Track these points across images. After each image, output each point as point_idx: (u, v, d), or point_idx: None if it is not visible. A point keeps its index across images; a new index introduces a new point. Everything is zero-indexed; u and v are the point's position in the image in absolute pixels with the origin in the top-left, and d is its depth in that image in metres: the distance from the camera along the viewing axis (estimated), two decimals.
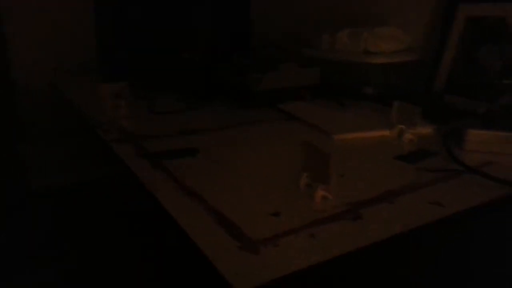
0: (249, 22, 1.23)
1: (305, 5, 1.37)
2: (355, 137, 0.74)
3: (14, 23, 1.51)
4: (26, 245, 1.30)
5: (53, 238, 1.35)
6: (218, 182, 0.57)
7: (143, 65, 1.12)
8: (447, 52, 0.87)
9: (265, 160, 0.65)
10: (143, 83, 1.09)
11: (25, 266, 1.20)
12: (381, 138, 0.73)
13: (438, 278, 0.49)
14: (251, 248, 0.41)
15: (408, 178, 0.56)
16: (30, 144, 1.60)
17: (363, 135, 0.74)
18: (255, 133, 0.79)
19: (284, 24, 1.43)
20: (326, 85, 0.98)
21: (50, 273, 1.16)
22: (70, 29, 1.58)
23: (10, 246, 1.29)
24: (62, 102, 1.26)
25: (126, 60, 1.16)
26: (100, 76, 1.21)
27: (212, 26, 1.11)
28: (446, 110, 0.78)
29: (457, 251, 0.51)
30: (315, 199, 0.51)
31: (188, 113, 0.92)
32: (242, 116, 0.89)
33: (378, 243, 0.42)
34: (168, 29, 1.11)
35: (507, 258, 0.54)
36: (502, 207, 0.52)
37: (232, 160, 0.65)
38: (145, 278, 0.99)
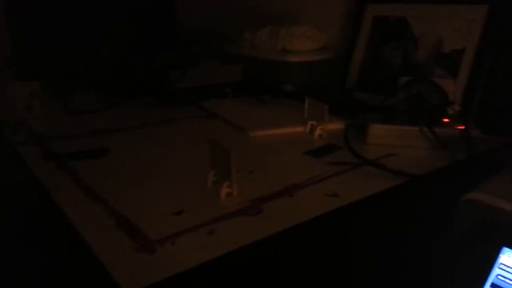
0: (175, 19, 1.22)
1: (230, 3, 1.38)
2: (271, 133, 0.76)
3: None
4: None
5: None
6: (125, 183, 0.56)
7: (61, 62, 1.07)
8: (357, 50, 0.92)
9: (178, 158, 0.65)
10: (61, 81, 1.04)
11: None
12: (295, 134, 0.75)
13: (335, 269, 0.52)
14: (147, 248, 0.41)
15: (312, 172, 0.59)
16: None
17: (278, 132, 0.76)
18: (172, 131, 0.79)
19: (209, 21, 1.43)
20: (247, 83, 1.00)
21: None
22: None
23: None
24: None
25: (43, 57, 1.10)
26: (13, 74, 1.14)
27: (133, 22, 1.08)
28: (355, 106, 0.83)
29: (355, 241, 0.54)
30: (220, 196, 0.52)
31: (106, 111, 0.89)
32: (162, 114, 0.88)
33: (272, 236, 0.44)
34: (87, 24, 1.07)
35: (402, 243, 0.59)
36: (395, 196, 0.56)
37: (144, 160, 0.64)
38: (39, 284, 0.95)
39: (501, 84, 0.76)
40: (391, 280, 0.56)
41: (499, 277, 0.38)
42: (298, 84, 0.98)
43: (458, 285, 0.42)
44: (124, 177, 0.58)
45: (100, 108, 0.91)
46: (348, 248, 0.53)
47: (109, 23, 1.06)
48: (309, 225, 0.46)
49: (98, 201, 0.50)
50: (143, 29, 1.13)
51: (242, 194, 0.52)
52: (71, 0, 1.06)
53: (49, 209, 0.53)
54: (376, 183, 0.56)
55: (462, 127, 0.66)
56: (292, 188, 0.54)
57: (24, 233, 1.22)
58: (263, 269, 0.44)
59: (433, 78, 0.75)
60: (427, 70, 0.83)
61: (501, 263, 0.39)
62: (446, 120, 0.69)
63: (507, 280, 0.38)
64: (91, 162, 0.62)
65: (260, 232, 0.44)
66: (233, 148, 0.50)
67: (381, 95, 0.82)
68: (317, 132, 0.73)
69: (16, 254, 1.18)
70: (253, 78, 1.01)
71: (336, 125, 0.78)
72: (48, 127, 0.80)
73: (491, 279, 0.39)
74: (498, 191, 0.43)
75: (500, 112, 0.76)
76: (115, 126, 0.79)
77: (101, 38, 1.05)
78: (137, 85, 0.99)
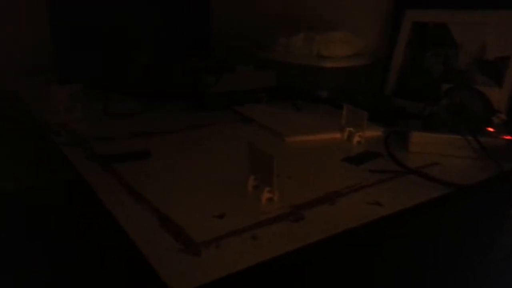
0: (209, 25, 1.23)
1: (263, 9, 1.39)
2: (307, 139, 0.75)
3: None
4: None
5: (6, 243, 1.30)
6: (167, 184, 0.57)
7: (100, 67, 1.10)
8: (395, 56, 0.91)
9: (216, 162, 0.66)
10: (99, 85, 1.07)
11: None
12: (332, 141, 0.75)
13: (378, 277, 0.51)
14: (193, 250, 0.42)
15: (352, 180, 0.58)
16: None
17: (314, 137, 0.76)
18: (209, 135, 0.79)
19: (242, 27, 1.44)
20: (281, 88, 1.00)
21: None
22: (25, 31, 1.53)
23: None
24: (15, 105, 1.22)
25: (83, 62, 1.13)
26: (55, 78, 1.18)
27: (166, 29, 1.11)
28: (394, 113, 0.81)
29: (396, 250, 0.53)
30: (261, 201, 0.52)
31: (143, 115, 0.91)
32: (197, 118, 0.89)
33: (315, 243, 0.43)
34: (124, 30, 1.10)
35: (443, 255, 0.57)
36: (439, 206, 0.55)
37: (184, 163, 0.65)
38: (88, 280, 0.98)
39: None
40: None
41: None
42: (332, 89, 0.98)
43: None
44: (165, 179, 0.58)
45: (137, 111, 0.93)
46: (390, 258, 0.52)
47: (146, 28, 1.08)
48: (352, 233, 0.46)
49: (142, 202, 0.51)
50: (176, 35, 1.15)
51: (282, 199, 0.52)
52: (110, 6, 1.09)
53: (94, 208, 0.54)
54: (419, 192, 0.55)
55: (509, 137, 0.64)
56: (333, 195, 0.53)
57: (67, 230, 1.26)
58: (306, 276, 0.44)
59: (476, 85, 0.73)
60: (469, 77, 0.81)
61: None
62: (490, 129, 0.66)
63: None
64: (134, 164, 0.63)
65: (302, 239, 0.44)
66: (271, 153, 0.51)
67: (419, 102, 0.81)
68: (355, 139, 0.72)
69: (62, 249, 1.22)
70: (287, 84, 1.02)
71: (374, 132, 0.77)
72: (89, 129, 0.83)
73: None
74: None
75: None
76: (153, 129, 0.81)
77: (139, 44, 1.07)
78: (173, 90, 1.01)
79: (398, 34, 0.92)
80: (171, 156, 0.67)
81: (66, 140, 0.74)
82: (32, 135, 1.39)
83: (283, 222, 0.47)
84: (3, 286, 1.11)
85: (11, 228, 1.40)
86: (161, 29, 1.09)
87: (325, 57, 0.94)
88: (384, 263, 0.51)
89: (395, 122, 0.80)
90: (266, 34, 1.12)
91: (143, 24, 1.06)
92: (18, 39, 1.54)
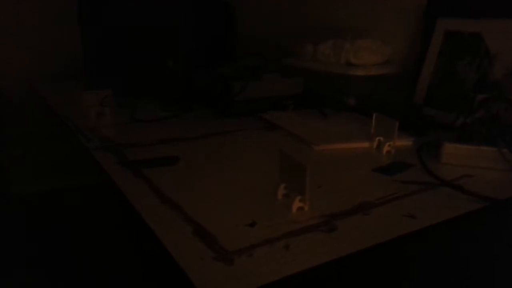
0: (234, 32, 1.24)
1: (289, 16, 1.39)
2: (336, 147, 0.75)
3: None
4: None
5: (27, 245, 1.33)
6: (197, 191, 0.57)
7: (127, 73, 1.12)
8: (426, 65, 0.89)
9: (245, 169, 0.66)
10: (127, 91, 1.09)
11: None
12: (360, 150, 0.74)
13: None
14: (225, 259, 0.41)
15: (384, 190, 0.57)
16: (10, 149, 1.58)
17: (343, 146, 0.75)
18: (236, 142, 0.80)
19: (268, 34, 1.44)
20: (308, 95, 0.99)
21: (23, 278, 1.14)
22: (54, 35, 1.58)
23: None
24: (44, 108, 1.25)
25: (112, 67, 1.16)
26: (85, 83, 1.21)
27: (194, 35, 1.12)
28: (425, 123, 0.80)
29: (430, 264, 0.52)
30: (291, 210, 0.51)
31: (170, 121, 0.92)
32: (224, 124, 0.89)
33: (351, 255, 0.43)
34: (152, 37, 1.12)
35: (477, 270, 0.56)
36: (474, 220, 0.53)
37: (212, 169, 0.65)
38: (122, 286, 0.99)
39: None
40: None
41: None
42: (360, 97, 0.96)
43: None
44: (195, 186, 0.59)
45: (164, 117, 0.94)
46: (424, 272, 0.50)
47: (172, 36, 1.10)
48: (388, 246, 0.45)
49: (174, 208, 0.51)
50: (202, 42, 1.16)
51: (313, 209, 0.52)
52: (142, 11, 1.11)
53: (125, 213, 0.55)
54: (454, 205, 0.53)
55: None
56: (366, 206, 0.52)
57: (95, 234, 1.28)
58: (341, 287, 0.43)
59: (511, 96, 0.71)
60: (504, 88, 0.78)
61: None
62: None
63: None
64: (163, 170, 0.64)
65: (337, 250, 0.43)
66: (301, 161, 0.50)
67: (451, 112, 0.79)
68: (385, 148, 0.71)
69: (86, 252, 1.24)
70: (314, 91, 1.01)
71: (404, 142, 0.75)
72: (118, 134, 0.84)
73: None
74: None
75: None
76: (180, 135, 0.81)
77: (166, 51, 1.09)
78: (199, 97, 1.02)
79: (429, 42, 0.90)
80: (199, 162, 0.68)
81: (97, 145, 0.76)
82: (60, 139, 1.43)
83: (315, 232, 0.47)
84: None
85: (37, 229, 1.43)
86: (188, 36, 1.10)
87: (354, 65, 0.93)
88: (418, 276, 0.50)
89: (424, 132, 0.78)
90: (293, 41, 1.12)
91: (172, 32, 1.08)
92: (48, 44, 1.58)
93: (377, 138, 0.73)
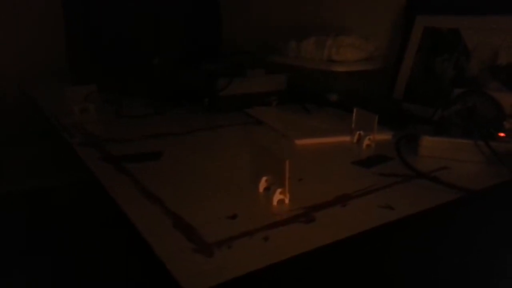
0: (220, 29, 1.25)
1: (274, 13, 1.40)
2: (317, 142, 0.76)
3: None
4: None
5: (15, 244, 1.32)
6: (180, 185, 0.58)
7: (112, 69, 1.12)
8: (405, 61, 0.91)
9: (228, 163, 0.66)
10: (112, 87, 1.09)
11: None
12: (341, 144, 0.75)
13: (388, 280, 0.51)
14: (205, 250, 0.42)
15: (363, 183, 0.58)
16: None
17: (324, 140, 0.76)
18: (221, 137, 0.80)
19: (253, 31, 1.45)
20: (292, 91, 1.01)
21: (15, 278, 1.13)
22: (38, 32, 1.56)
23: None
24: (29, 106, 1.24)
25: (96, 63, 1.15)
26: (69, 79, 1.20)
27: (179, 32, 1.12)
28: (404, 117, 0.81)
29: (406, 254, 0.53)
30: (272, 202, 0.52)
31: (155, 117, 0.93)
32: (209, 120, 0.90)
33: (328, 245, 0.44)
34: (137, 34, 1.11)
35: (453, 259, 0.57)
36: (450, 210, 0.55)
37: (196, 164, 0.66)
38: (107, 279, 0.99)
39: None
40: None
41: None
42: (342, 93, 0.98)
43: None
44: (178, 180, 0.59)
45: (149, 114, 0.94)
46: (400, 261, 0.52)
47: (158, 33, 1.10)
48: (364, 236, 0.46)
49: (155, 202, 0.52)
50: (190, 39, 1.16)
51: (293, 201, 0.53)
52: (123, 9, 1.10)
53: (107, 208, 0.55)
54: (430, 196, 0.55)
55: None
56: (344, 198, 0.54)
57: (80, 229, 1.28)
58: (317, 278, 0.44)
59: (487, 90, 0.73)
60: (481, 83, 0.80)
61: None
62: (502, 134, 0.66)
63: None
64: (146, 165, 0.64)
65: (314, 241, 0.44)
66: (281, 155, 0.51)
67: (429, 107, 0.81)
68: (365, 142, 0.73)
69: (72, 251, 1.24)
70: (297, 87, 1.02)
71: (384, 136, 0.77)
72: (103, 130, 0.84)
73: None
74: None
75: None
76: (165, 131, 0.82)
77: (152, 47, 1.09)
78: (185, 93, 1.02)
79: (409, 39, 0.92)
80: (183, 157, 0.68)
81: (80, 140, 0.76)
82: (46, 136, 1.42)
83: (294, 224, 0.48)
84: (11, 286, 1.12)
85: (21, 227, 1.42)
86: (174, 33, 1.10)
87: (335, 61, 0.95)
88: (394, 266, 0.51)
89: (404, 126, 0.80)
90: (278, 38, 1.13)
91: (159, 28, 1.08)
92: (33, 41, 1.56)
93: (358, 132, 0.74)
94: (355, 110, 0.76)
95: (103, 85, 1.04)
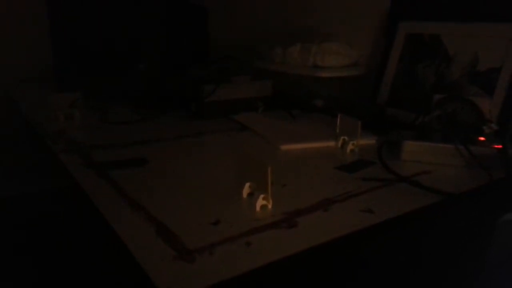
0: (206, 35, 1.25)
1: (261, 19, 1.41)
2: (302, 147, 0.77)
3: None
4: None
5: (4, 249, 1.30)
6: (163, 192, 0.58)
7: (97, 75, 1.11)
8: (388, 67, 0.93)
9: (213, 169, 0.67)
10: (97, 94, 1.08)
11: None
12: (326, 149, 0.76)
13: (369, 283, 0.52)
14: (187, 257, 0.42)
15: (345, 187, 0.59)
16: None
17: (309, 146, 0.77)
18: (206, 143, 0.80)
19: (240, 36, 1.46)
20: (278, 97, 1.01)
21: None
22: (24, 38, 1.55)
23: None
24: (13, 112, 1.23)
25: (81, 70, 1.15)
26: (54, 85, 1.19)
27: (166, 38, 1.12)
28: (387, 122, 0.83)
29: (387, 257, 0.54)
30: (255, 208, 0.52)
31: (141, 123, 0.92)
32: (195, 126, 0.90)
33: (309, 249, 0.44)
34: (122, 40, 1.11)
35: (433, 262, 0.58)
36: (430, 213, 0.56)
37: (180, 170, 0.66)
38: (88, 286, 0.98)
39: None
40: None
41: None
42: (327, 99, 0.99)
43: None
44: (161, 187, 0.59)
45: (135, 120, 0.94)
46: (380, 265, 0.52)
47: (144, 39, 1.10)
48: (345, 240, 0.46)
49: (139, 209, 0.52)
50: (174, 45, 1.16)
51: (276, 206, 0.53)
52: (109, 15, 1.10)
53: (90, 216, 0.55)
54: (411, 200, 0.56)
55: (499, 146, 0.65)
56: (326, 203, 0.54)
57: (63, 237, 1.27)
58: (299, 282, 0.45)
59: (468, 96, 0.75)
60: (461, 88, 0.82)
61: None
62: (482, 138, 0.68)
63: None
64: (130, 171, 0.64)
65: (296, 245, 0.45)
66: (266, 161, 0.52)
67: (412, 112, 0.82)
68: (349, 147, 0.73)
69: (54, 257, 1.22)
70: (283, 93, 1.03)
71: (367, 141, 0.78)
72: (88, 137, 0.83)
73: None
74: None
75: None
76: (151, 137, 0.82)
77: (137, 54, 1.09)
78: (171, 99, 1.02)
79: (392, 45, 0.94)
80: (168, 164, 0.68)
81: (64, 147, 0.75)
82: (29, 142, 1.41)
83: (277, 229, 0.48)
84: None
85: (6, 234, 1.40)
86: (160, 39, 1.10)
87: (320, 67, 0.96)
88: (375, 269, 0.52)
89: (387, 131, 0.81)
90: (264, 44, 1.14)
91: (145, 35, 1.08)
92: (18, 46, 1.55)
93: (342, 138, 0.75)
94: (339, 116, 0.77)
95: (89, 91, 1.03)
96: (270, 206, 0.53)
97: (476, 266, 0.52)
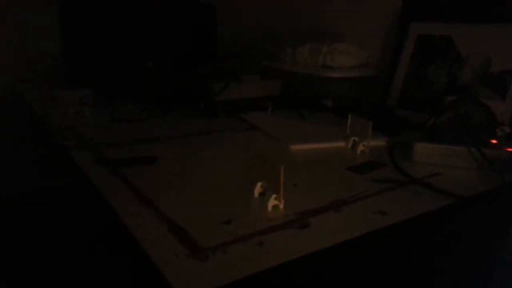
0: (216, 34, 1.25)
1: (271, 19, 1.41)
2: (312, 147, 0.76)
3: None
4: None
5: (4, 248, 1.31)
6: (174, 190, 0.58)
7: (106, 72, 1.12)
8: (399, 68, 0.92)
9: (223, 168, 0.67)
10: (107, 91, 1.09)
11: None
12: (336, 149, 0.76)
13: (381, 285, 0.51)
14: (200, 256, 0.42)
15: (356, 188, 0.59)
16: None
17: (319, 146, 0.77)
18: (215, 142, 0.80)
19: (250, 36, 1.46)
20: (287, 97, 1.01)
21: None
22: (34, 34, 1.55)
23: None
24: (23, 109, 1.23)
25: (90, 67, 1.15)
26: (64, 82, 1.20)
27: (175, 36, 1.12)
28: (398, 124, 0.82)
29: (400, 259, 0.54)
30: (267, 208, 0.52)
31: (150, 121, 0.92)
32: (204, 125, 0.90)
33: (321, 250, 0.44)
34: (131, 38, 1.12)
35: (445, 264, 0.58)
36: (442, 216, 0.55)
37: (190, 169, 0.66)
38: (100, 284, 0.98)
39: None
40: None
41: None
42: (337, 99, 0.99)
43: None
44: (172, 184, 0.59)
45: (144, 117, 0.94)
46: (394, 267, 0.52)
47: (153, 37, 1.10)
48: (358, 241, 0.46)
49: (151, 207, 0.52)
50: (183, 43, 1.16)
51: (288, 206, 0.53)
52: (118, 13, 1.10)
53: (102, 213, 0.55)
54: (423, 202, 0.55)
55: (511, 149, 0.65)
56: (338, 204, 0.54)
57: (73, 233, 1.27)
58: (311, 283, 0.45)
59: (480, 98, 0.74)
60: (473, 90, 0.82)
61: None
62: (494, 141, 0.67)
63: None
64: (141, 169, 0.64)
65: (309, 246, 0.44)
66: (276, 161, 0.51)
67: (422, 114, 0.82)
68: (360, 148, 0.73)
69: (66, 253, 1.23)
70: (292, 92, 1.03)
71: (378, 142, 0.77)
72: (97, 133, 0.84)
73: None
74: None
75: None
76: (160, 135, 0.82)
77: (146, 51, 1.09)
78: (180, 97, 1.02)
79: (403, 46, 0.93)
80: (177, 162, 0.68)
81: (75, 144, 0.76)
82: (39, 138, 1.41)
83: (289, 229, 0.48)
84: None
85: (14, 231, 1.41)
86: (169, 37, 1.10)
87: (330, 67, 0.96)
88: (388, 271, 0.51)
89: (397, 132, 0.81)
90: (274, 44, 1.14)
91: (153, 32, 1.08)
92: (27, 43, 1.56)
93: (352, 138, 0.75)
94: (349, 116, 0.77)
95: (98, 88, 1.04)
96: (281, 206, 0.53)
97: (490, 267, 0.52)
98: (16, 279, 1.15)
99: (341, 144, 0.77)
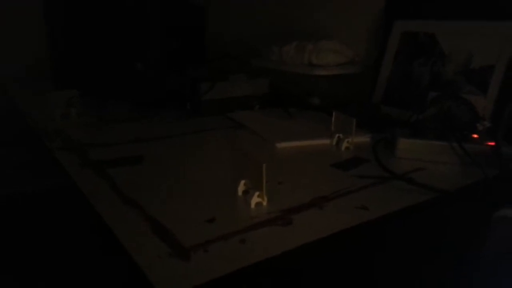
0: (204, 34, 1.25)
1: (260, 19, 1.42)
2: (297, 145, 0.77)
3: None
4: None
5: None
6: (159, 189, 0.58)
7: (94, 73, 1.11)
8: (384, 65, 0.93)
9: (209, 167, 0.67)
10: (94, 92, 1.08)
11: None
12: (321, 147, 0.76)
13: (364, 279, 0.52)
14: (181, 254, 0.43)
15: (340, 185, 0.59)
16: None
17: (305, 144, 0.77)
18: (202, 141, 0.81)
19: (238, 35, 1.46)
20: (274, 95, 1.02)
21: None
22: (21, 36, 1.54)
23: None
24: (9, 110, 1.22)
25: (78, 68, 1.14)
26: (52, 83, 1.19)
27: (163, 37, 1.12)
28: (382, 120, 0.83)
29: (381, 254, 0.54)
30: (250, 205, 0.53)
31: (138, 121, 0.93)
32: (191, 124, 0.90)
33: (303, 246, 0.45)
34: (120, 38, 1.11)
35: (427, 259, 0.59)
36: (424, 211, 0.56)
37: (176, 168, 0.66)
38: (84, 285, 0.98)
39: None
40: None
41: None
42: (324, 97, 0.99)
43: None
44: (158, 184, 0.60)
45: (132, 118, 0.94)
46: (376, 262, 0.53)
47: (142, 37, 1.10)
48: (340, 237, 0.47)
49: (134, 207, 0.52)
50: (173, 43, 1.16)
51: (272, 204, 0.53)
52: (107, 13, 1.10)
53: (87, 214, 0.55)
54: (405, 197, 0.56)
55: (492, 143, 0.66)
56: (321, 200, 0.55)
57: (58, 235, 1.26)
58: (293, 279, 0.45)
59: (462, 94, 0.75)
60: (456, 86, 0.83)
61: None
62: (475, 136, 0.68)
63: None
64: (126, 169, 0.64)
65: (291, 242, 0.45)
66: (261, 159, 0.52)
67: (407, 110, 0.83)
68: (344, 145, 0.74)
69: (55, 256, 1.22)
70: (279, 91, 1.03)
71: (363, 139, 0.78)
72: (84, 135, 0.83)
73: None
74: None
75: None
76: (147, 135, 0.82)
77: (135, 52, 1.09)
78: (168, 97, 1.02)
79: (387, 43, 0.94)
80: (164, 162, 0.69)
81: (60, 145, 0.75)
82: (25, 140, 1.40)
83: (272, 226, 0.48)
84: None
85: (6, 234, 1.40)
86: (158, 38, 1.10)
87: (316, 65, 0.96)
88: (370, 266, 0.52)
89: (382, 129, 0.81)
90: (261, 42, 1.14)
91: (142, 33, 1.08)
92: (14, 44, 1.55)
93: (337, 135, 0.76)
94: (334, 113, 0.77)
95: (86, 89, 1.03)
96: (265, 204, 0.53)
97: (472, 261, 0.52)
98: (14, 280, 1.15)
99: (326, 141, 0.78)
